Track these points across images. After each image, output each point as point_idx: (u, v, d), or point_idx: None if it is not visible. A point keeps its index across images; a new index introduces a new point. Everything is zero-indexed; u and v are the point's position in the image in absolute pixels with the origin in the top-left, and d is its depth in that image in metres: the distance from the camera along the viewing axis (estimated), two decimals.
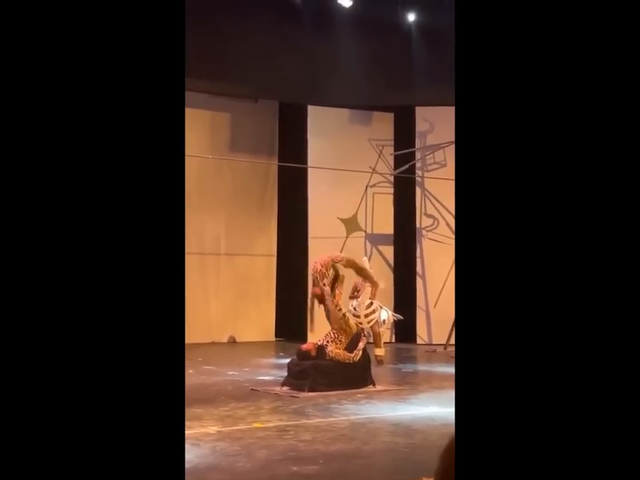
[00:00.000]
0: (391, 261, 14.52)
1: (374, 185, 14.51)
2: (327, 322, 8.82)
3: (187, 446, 3.97)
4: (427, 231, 14.37)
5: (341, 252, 11.16)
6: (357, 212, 14.37)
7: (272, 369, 10.25)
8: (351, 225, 14.30)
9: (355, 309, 10.28)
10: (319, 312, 8.98)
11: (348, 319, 8.82)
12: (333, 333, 8.60)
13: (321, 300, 8.71)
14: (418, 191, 14.41)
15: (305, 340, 11.15)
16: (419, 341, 14.10)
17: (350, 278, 9.71)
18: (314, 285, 8.81)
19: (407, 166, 14.12)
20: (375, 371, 9.18)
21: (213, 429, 6.12)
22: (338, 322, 8.61)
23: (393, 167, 14.55)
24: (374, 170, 14.37)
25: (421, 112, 14.29)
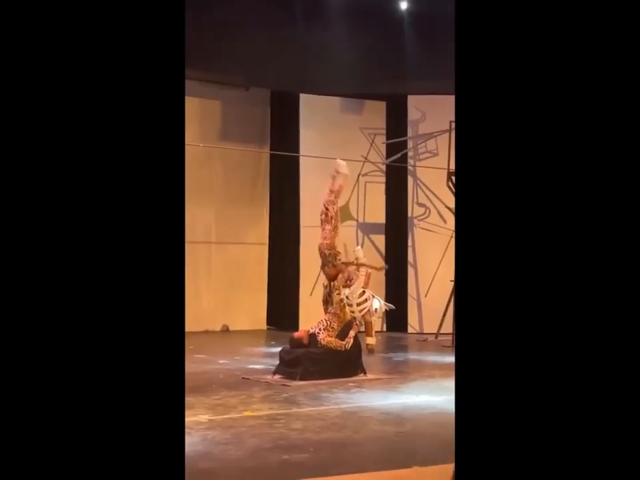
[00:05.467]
0: (383, 250, 14.51)
1: (366, 174, 14.48)
2: (320, 308, 8.79)
3: None
4: (418, 220, 14.35)
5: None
6: (348, 201, 14.34)
7: (263, 358, 10.24)
8: (342, 213, 14.26)
9: (347, 297, 10.28)
10: (309, 301, 8.95)
11: (344, 305, 8.82)
12: (326, 320, 8.59)
13: (334, 278, 8.66)
14: (410, 179, 14.39)
15: (296, 328, 11.13)
16: (410, 330, 14.10)
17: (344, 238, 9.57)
18: (324, 265, 8.75)
19: (399, 155, 14.09)
20: (366, 359, 9.18)
21: (203, 418, 6.11)
22: (334, 305, 8.60)
23: (384, 155, 14.53)
24: (366, 159, 14.34)
25: (413, 100, 14.25)
